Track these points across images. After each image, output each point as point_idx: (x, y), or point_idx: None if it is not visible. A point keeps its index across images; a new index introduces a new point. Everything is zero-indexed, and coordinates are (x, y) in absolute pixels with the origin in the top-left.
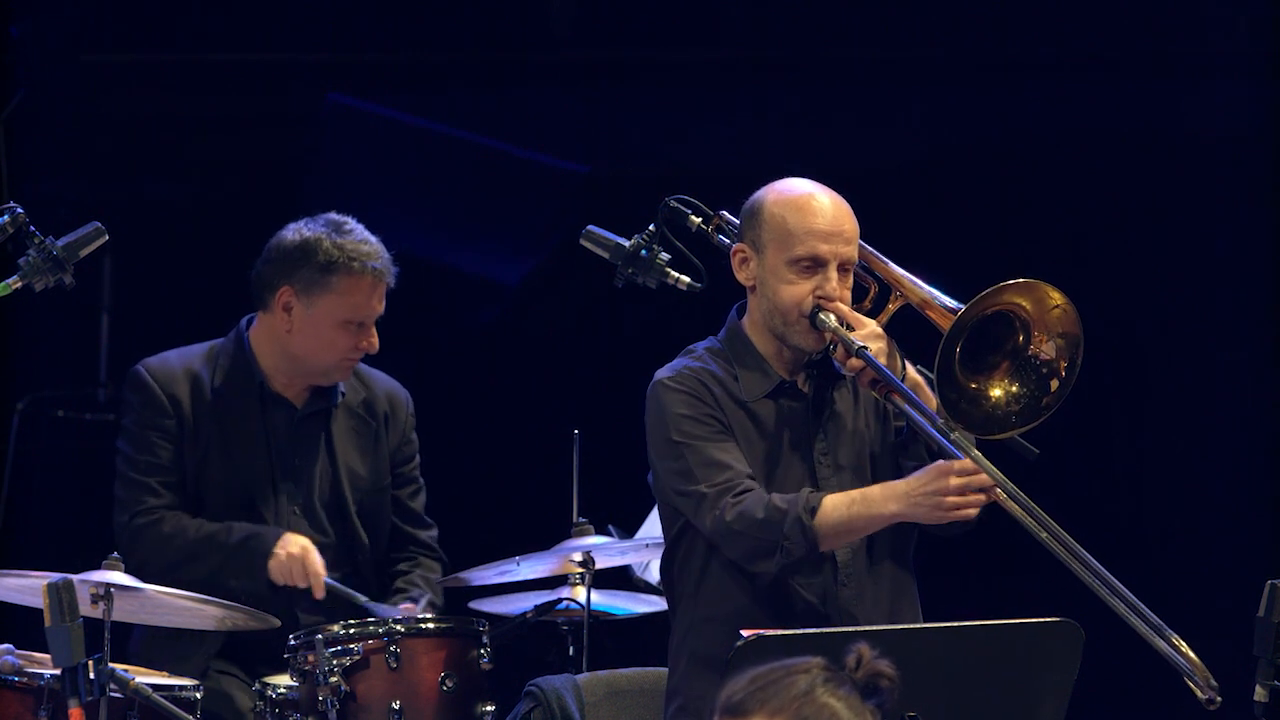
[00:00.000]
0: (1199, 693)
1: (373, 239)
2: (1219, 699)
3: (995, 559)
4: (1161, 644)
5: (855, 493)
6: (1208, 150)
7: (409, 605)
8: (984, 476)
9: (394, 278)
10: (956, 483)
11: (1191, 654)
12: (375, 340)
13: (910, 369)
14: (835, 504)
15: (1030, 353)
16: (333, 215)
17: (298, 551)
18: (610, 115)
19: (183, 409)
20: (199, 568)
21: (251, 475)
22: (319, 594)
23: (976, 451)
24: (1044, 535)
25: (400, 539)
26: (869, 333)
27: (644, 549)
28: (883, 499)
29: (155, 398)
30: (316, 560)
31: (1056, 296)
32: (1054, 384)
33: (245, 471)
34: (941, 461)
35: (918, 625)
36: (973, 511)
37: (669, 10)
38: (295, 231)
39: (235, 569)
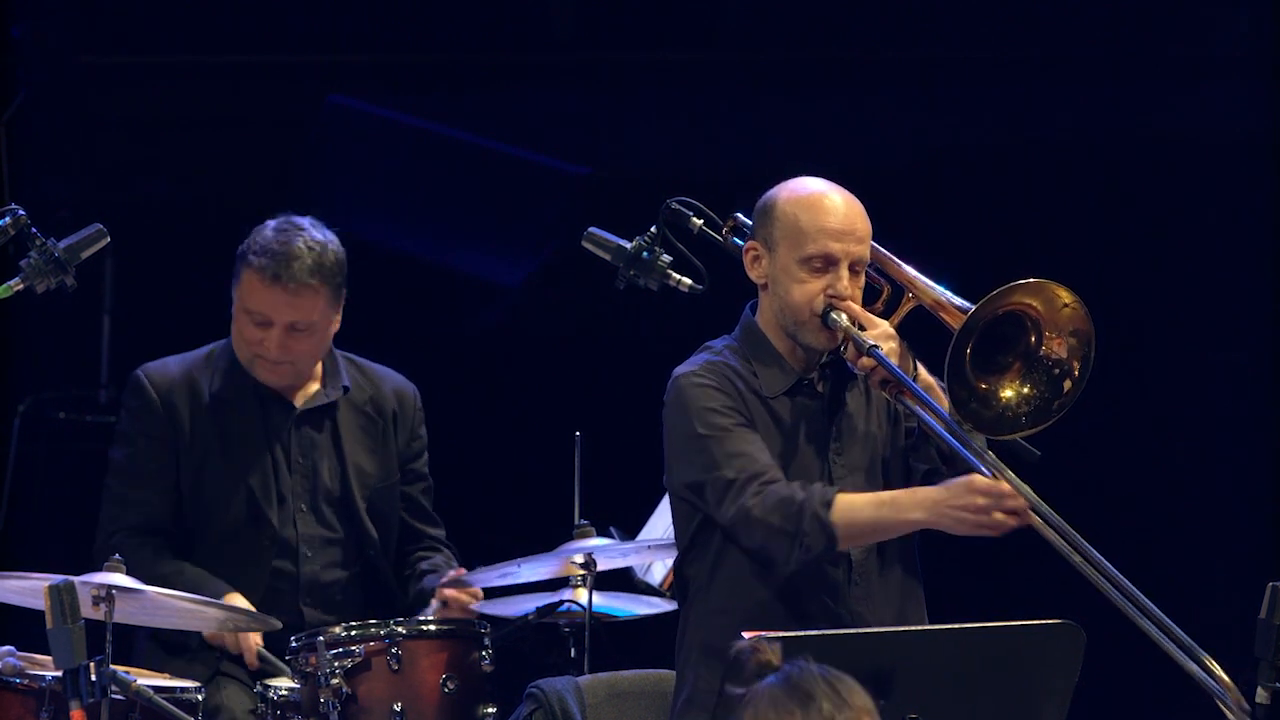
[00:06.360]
0: (1231, 716)
1: (309, 248)
2: None
3: (997, 561)
4: (1194, 667)
5: (884, 495)
6: (1208, 150)
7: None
8: (1020, 500)
9: (314, 291)
10: (982, 502)
11: (1224, 676)
12: (272, 346)
13: (923, 370)
14: (862, 504)
15: (1042, 353)
16: (295, 217)
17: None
18: (611, 116)
19: (179, 416)
20: None
21: (254, 475)
22: (251, 664)
23: (1011, 473)
24: (1077, 559)
25: (412, 535)
26: (881, 332)
27: (645, 551)
28: (911, 504)
29: (150, 404)
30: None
31: (1065, 295)
32: (1066, 385)
33: (247, 472)
34: (972, 476)
35: (919, 627)
36: (996, 531)
37: (670, 11)
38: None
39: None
